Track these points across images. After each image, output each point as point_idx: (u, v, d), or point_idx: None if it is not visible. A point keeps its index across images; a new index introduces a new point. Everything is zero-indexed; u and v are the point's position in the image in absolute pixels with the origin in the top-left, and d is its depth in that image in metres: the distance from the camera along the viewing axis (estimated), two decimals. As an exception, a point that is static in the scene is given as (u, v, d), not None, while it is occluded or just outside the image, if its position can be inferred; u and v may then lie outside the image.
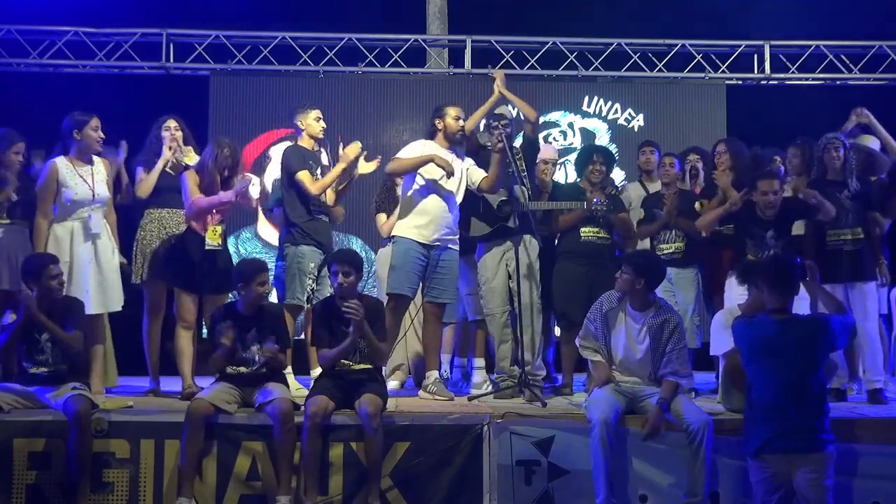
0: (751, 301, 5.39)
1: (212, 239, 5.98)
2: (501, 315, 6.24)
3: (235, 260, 6.31)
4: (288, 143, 6.75)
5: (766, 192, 6.09)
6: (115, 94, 8.77)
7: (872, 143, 6.85)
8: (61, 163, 5.91)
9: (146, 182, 6.23)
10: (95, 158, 6.03)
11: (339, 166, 6.21)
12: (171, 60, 9.00)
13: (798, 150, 6.74)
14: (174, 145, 6.28)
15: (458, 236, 6.19)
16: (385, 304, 5.88)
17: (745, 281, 5.52)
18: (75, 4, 8.91)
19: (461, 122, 6.17)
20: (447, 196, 6.10)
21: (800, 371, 4.71)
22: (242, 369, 5.43)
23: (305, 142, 6.35)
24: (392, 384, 6.68)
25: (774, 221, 6.11)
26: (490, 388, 6.29)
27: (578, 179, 6.78)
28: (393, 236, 6.17)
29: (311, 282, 6.16)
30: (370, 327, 5.37)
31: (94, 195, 5.90)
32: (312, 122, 6.34)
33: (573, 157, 7.57)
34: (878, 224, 6.40)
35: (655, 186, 7.10)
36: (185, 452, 5.16)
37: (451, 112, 6.19)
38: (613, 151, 8.65)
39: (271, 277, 6.09)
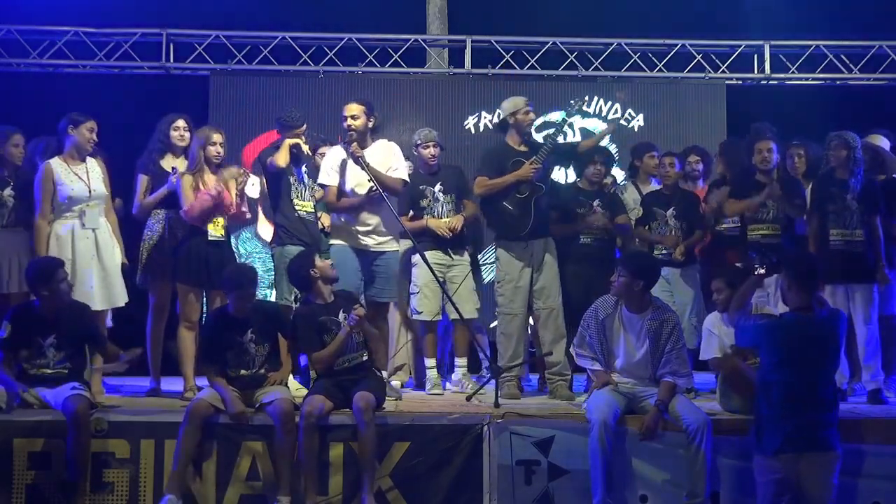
0: (738, 300, 5.33)
1: (215, 231, 5.99)
2: (517, 316, 6.27)
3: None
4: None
5: (762, 150, 6.27)
6: (115, 94, 8.76)
7: (882, 142, 6.82)
8: (55, 163, 5.92)
9: (146, 203, 6.21)
10: (90, 158, 6.03)
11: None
12: (171, 60, 9.00)
13: (800, 152, 6.75)
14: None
15: (391, 237, 6.17)
16: None
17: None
18: (75, 4, 8.90)
19: (350, 121, 6.05)
20: (377, 200, 6.03)
21: (825, 367, 4.74)
22: (242, 371, 5.44)
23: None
24: (395, 383, 6.68)
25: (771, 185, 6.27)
26: (470, 386, 6.33)
27: (578, 179, 6.80)
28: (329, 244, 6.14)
29: None
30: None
31: (90, 191, 5.89)
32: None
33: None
34: (885, 225, 6.28)
35: (649, 188, 7.11)
36: (179, 451, 5.16)
37: (344, 112, 6.10)
38: (613, 151, 8.65)
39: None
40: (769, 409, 4.76)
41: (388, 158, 6.12)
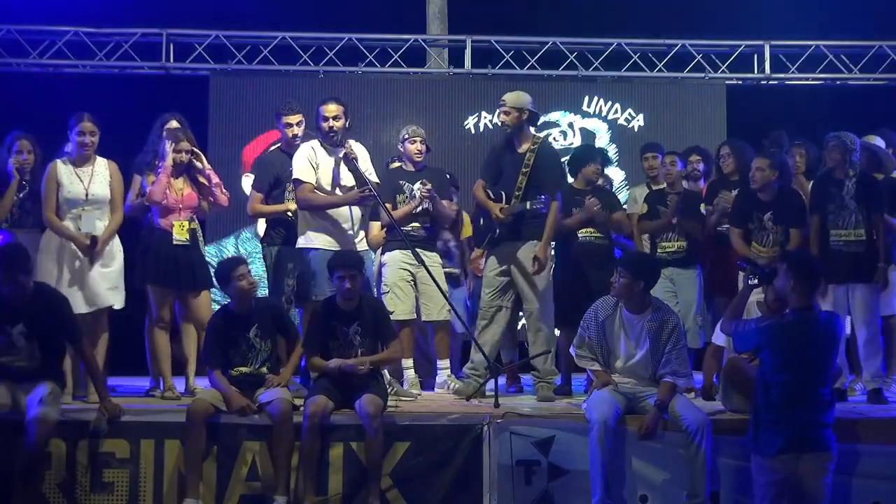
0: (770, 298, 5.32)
1: (179, 234, 5.97)
2: (489, 309, 6.23)
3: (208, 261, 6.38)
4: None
5: (756, 167, 6.17)
6: (115, 94, 8.77)
7: (877, 141, 6.83)
8: (61, 163, 5.93)
9: (134, 204, 6.21)
10: (100, 160, 6.00)
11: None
12: (171, 60, 9.00)
13: (800, 151, 6.75)
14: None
15: (363, 237, 6.07)
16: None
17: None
18: (75, 4, 8.91)
19: (332, 122, 5.89)
20: (368, 201, 5.92)
21: (824, 367, 4.74)
22: (245, 369, 5.44)
23: (286, 145, 6.31)
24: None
25: (772, 204, 6.17)
26: (454, 386, 6.32)
27: (573, 179, 6.78)
28: (303, 248, 5.94)
29: (291, 281, 6.14)
30: (377, 328, 5.49)
31: (87, 195, 5.88)
32: (293, 126, 6.30)
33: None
34: (886, 225, 6.24)
35: (660, 186, 7.10)
36: (187, 453, 5.17)
37: (324, 112, 5.91)
38: (613, 151, 8.66)
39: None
40: (769, 410, 4.74)
41: (363, 161, 6.02)
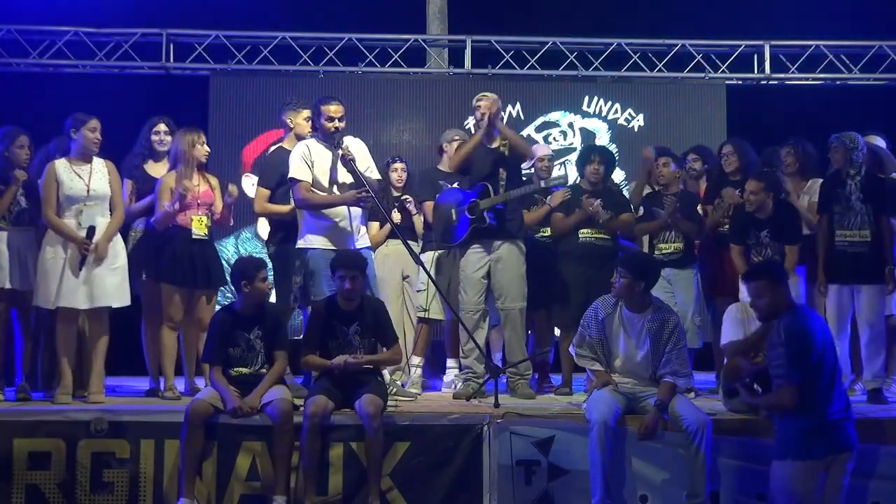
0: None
1: (198, 229, 6.03)
2: (475, 313, 6.24)
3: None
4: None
5: (749, 191, 6.17)
6: (115, 94, 8.76)
7: (878, 141, 6.83)
8: (60, 163, 5.92)
9: (133, 209, 6.25)
10: (97, 159, 6.01)
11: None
12: (171, 60, 8.99)
13: (790, 150, 6.76)
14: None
15: (364, 233, 6.08)
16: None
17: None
18: (75, 4, 8.91)
19: (338, 123, 5.87)
20: (365, 202, 5.88)
21: (835, 358, 4.65)
22: (244, 370, 5.43)
23: (290, 143, 6.27)
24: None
25: (768, 221, 6.16)
26: (461, 387, 6.32)
27: (578, 179, 6.80)
28: (302, 248, 5.91)
29: (298, 278, 6.12)
30: (377, 329, 5.51)
31: (88, 191, 5.87)
32: (302, 121, 6.28)
33: (573, 156, 7.58)
34: (889, 227, 6.24)
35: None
36: (184, 453, 5.17)
37: (329, 112, 5.87)
38: (613, 151, 8.66)
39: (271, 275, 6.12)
40: (808, 412, 4.54)
41: (363, 158, 6.02)
